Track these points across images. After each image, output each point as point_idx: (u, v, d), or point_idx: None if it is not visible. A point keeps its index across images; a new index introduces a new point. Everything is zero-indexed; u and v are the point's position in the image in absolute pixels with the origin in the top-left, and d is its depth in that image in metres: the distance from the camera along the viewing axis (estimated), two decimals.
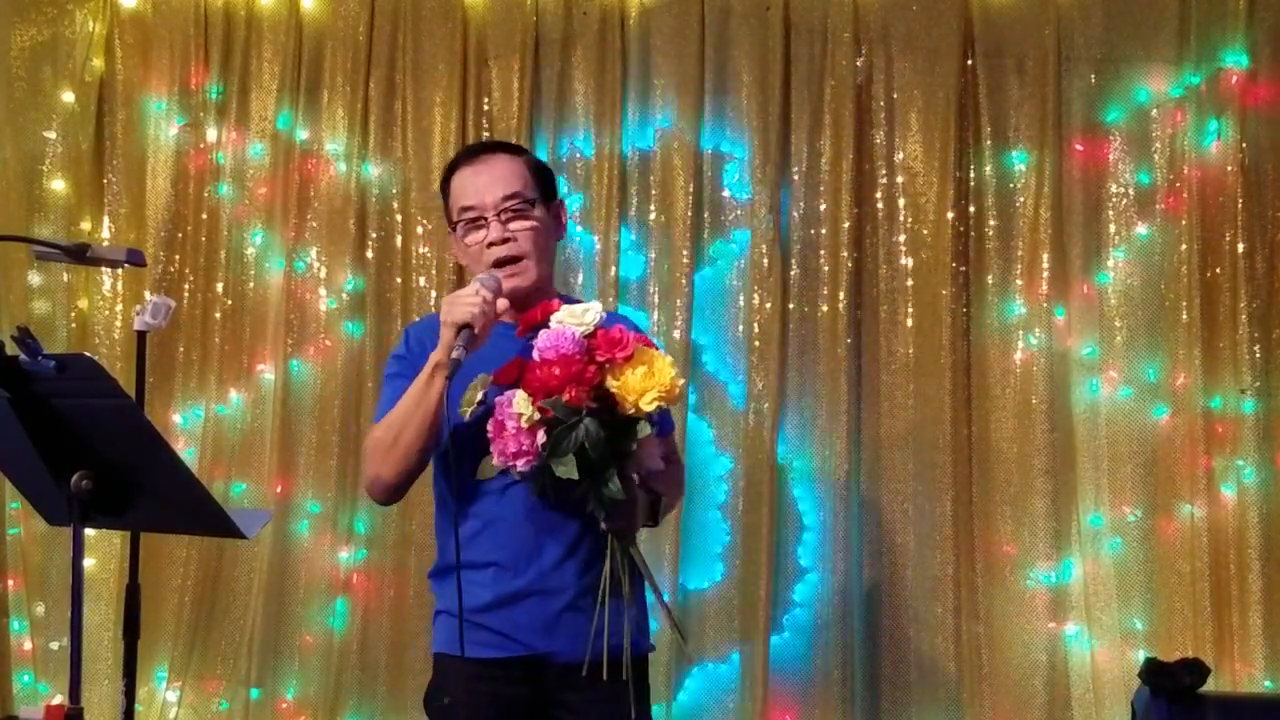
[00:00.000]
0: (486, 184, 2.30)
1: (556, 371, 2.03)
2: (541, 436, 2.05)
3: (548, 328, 2.11)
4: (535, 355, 2.09)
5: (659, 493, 2.31)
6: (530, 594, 2.25)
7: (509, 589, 2.25)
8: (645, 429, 2.10)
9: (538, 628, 2.24)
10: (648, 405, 2.06)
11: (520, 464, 2.08)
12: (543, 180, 2.38)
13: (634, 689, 2.23)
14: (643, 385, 2.06)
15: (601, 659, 2.17)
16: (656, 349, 2.16)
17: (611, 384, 2.07)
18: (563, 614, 2.24)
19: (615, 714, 2.23)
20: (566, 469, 2.04)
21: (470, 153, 2.39)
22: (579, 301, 2.21)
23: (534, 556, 2.25)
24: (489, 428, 2.11)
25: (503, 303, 2.19)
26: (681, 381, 2.13)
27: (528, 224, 2.30)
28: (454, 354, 2.07)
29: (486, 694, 2.25)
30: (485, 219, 2.29)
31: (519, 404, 2.05)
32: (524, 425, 2.05)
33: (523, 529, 2.25)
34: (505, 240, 2.28)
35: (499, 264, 2.28)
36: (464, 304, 2.12)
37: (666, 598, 2.31)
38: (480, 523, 2.27)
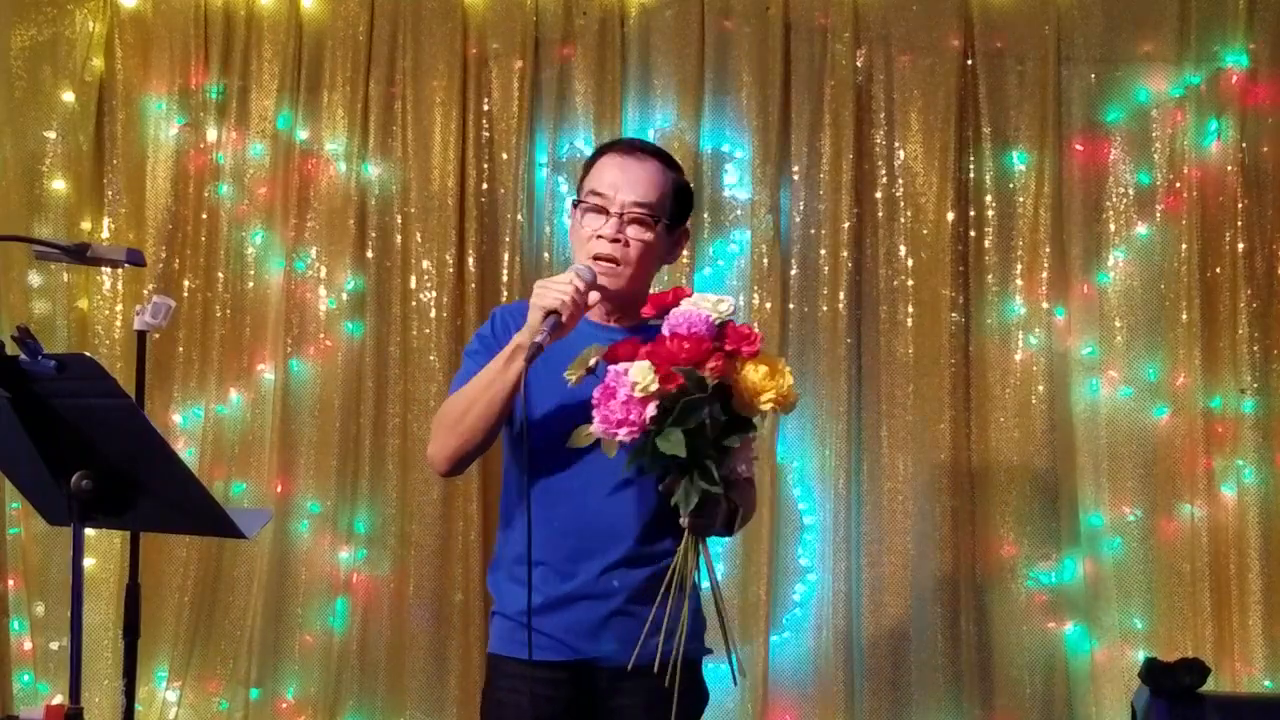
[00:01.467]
0: (626, 181, 2.27)
1: (686, 346, 2.02)
2: (651, 410, 2.02)
3: (673, 310, 2.11)
4: (665, 330, 2.08)
5: (736, 503, 2.27)
6: (580, 598, 2.25)
7: (558, 592, 2.24)
8: (754, 429, 2.10)
9: (586, 632, 2.25)
10: (765, 405, 2.06)
11: (623, 433, 2.03)
12: (679, 203, 2.34)
13: (684, 693, 2.16)
14: (763, 384, 2.05)
15: (653, 660, 2.15)
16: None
17: (734, 376, 2.06)
18: (611, 618, 2.24)
19: (664, 717, 2.21)
20: (673, 445, 2.01)
21: (628, 144, 2.36)
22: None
23: (584, 559, 2.25)
24: (594, 395, 2.07)
25: (594, 295, 2.17)
26: (798, 393, 2.12)
27: (644, 236, 2.27)
28: (537, 338, 2.06)
29: (538, 695, 2.25)
30: (608, 211, 2.26)
31: (637, 373, 2.02)
32: (636, 395, 2.01)
33: (578, 531, 2.25)
34: (615, 240, 2.25)
35: (598, 258, 2.25)
36: (555, 290, 2.10)
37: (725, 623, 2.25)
38: (526, 521, 2.24)
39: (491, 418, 2.19)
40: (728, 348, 2.06)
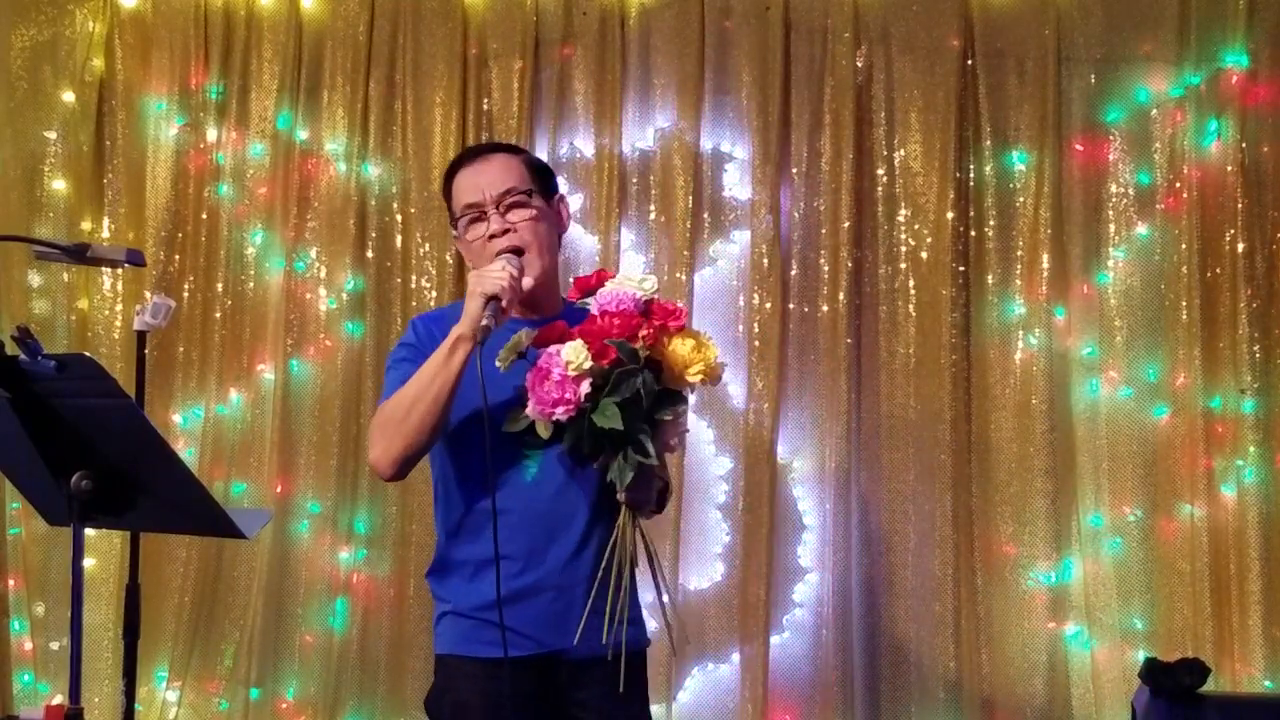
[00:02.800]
0: (486, 181, 2.32)
1: (617, 323, 2.08)
2: (585, 387, 2.07)
3: (600, 291, 2.16)
4: (594, 309, 2.14)
5: (666, 479, 2.31)
6: (542, 590, 2.23)
7: (519, 584, 2.22)
8: (684, 402, 2.15)
9: (550, 624, 2.23)
10: (693, 377, 2.11)
11: (559, 411, 2.07)
12: (541, 176, 2.39)
13: (637, 682, 2.22)
14: (691, 356, 2.11)
15: (619, 651, 2.16)
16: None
17: (662, 351, 2.11)
18: (574, 610, 2.22)
19: (627, 709, 2.24)
20: (609, 419, 2.05)
21: (469, 154, 2.41)
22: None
23: (544, 551, 2.23)
24: (528, 379, 2.11)
25: (528, 281, 2.21)
26: (725, 363, 2.18)
27: (527, 213, 2.30)
28: (484, 321, 2.09)
29: (501, 693, 2.22)
30: (486, 213, 2.30)
31: (569, 352, 2.07)
32: (570, 374, 2.06)
33: (532, 522, 2.24)
34: (506, 231, 2.29)
35: (501, 253, 2.27)
36: (493, 277, 2.13)
37: (665, 596, 2.27)
38: (481, 515, 2.24)
39: (437, 413, 2.17)
40: (655, 323, 2.11)
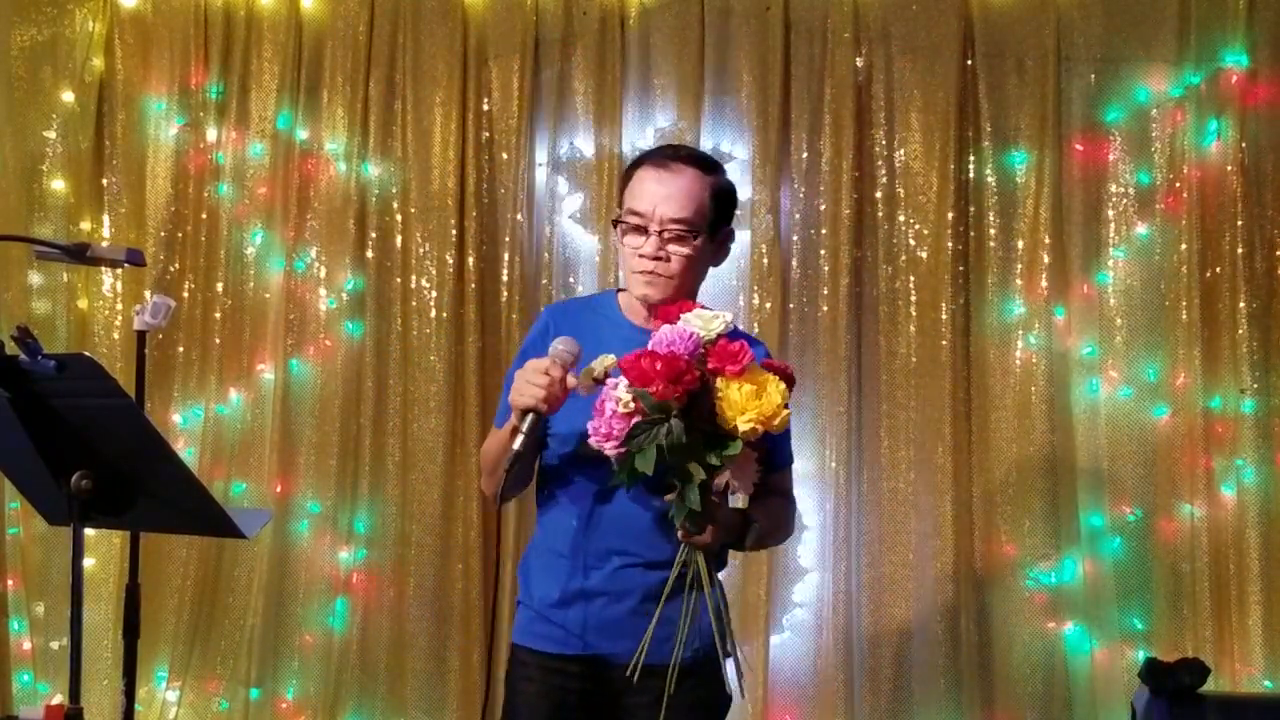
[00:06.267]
0: (664, 196, 2.25)
1: (658, 366, 2.02)
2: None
3: (662, 328, 2.13)
4: (651, 346, 2.09)
5: (754, 518, 2.28)
6: (597, 594, 2.26)
7: (577, 586, 2.27)
8: (736, 448, 2.06)
9: (602, 629, 2.26)
10: (744, 425, 2.04)
11: (608, 447, 2.07)
12: (720, 207, 2.33)
13: (701, 694, 2.26)
14: (744, 404, 2.05)
15: (667, 662, 2.19)
16: (779, 379, 2.10)
17: (717, 395, 2.06)
18: (628, 618, 2.25)
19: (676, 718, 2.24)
20: (644, 462, 2.03)
21: (663, 155, 2.33)
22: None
23: (605, 557, 2.26)
24: (594, 406, 2.10)
25: (572, 379, 2.14)
26: (787, 413, 2.08)
27: (685, 251, 2.26)
28: (515, 445, 2.09)
29: (553, 687, 2.29)
30: (648, 229, 2.26)
31: (621, 389, 2.05)
32: (620, 410, 2.05)
33: (602, 530, 2.26)
34: (658, 258, 2.25)
35: (642, 274, 2.26)
36: (530, 389, 2.09)
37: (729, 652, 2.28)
38: (560, 514, 2.31)
39: (515, 475, 2.17)
40: (710, 366, 2.06)
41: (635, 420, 2.04)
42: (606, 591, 2.26)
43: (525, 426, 2.09)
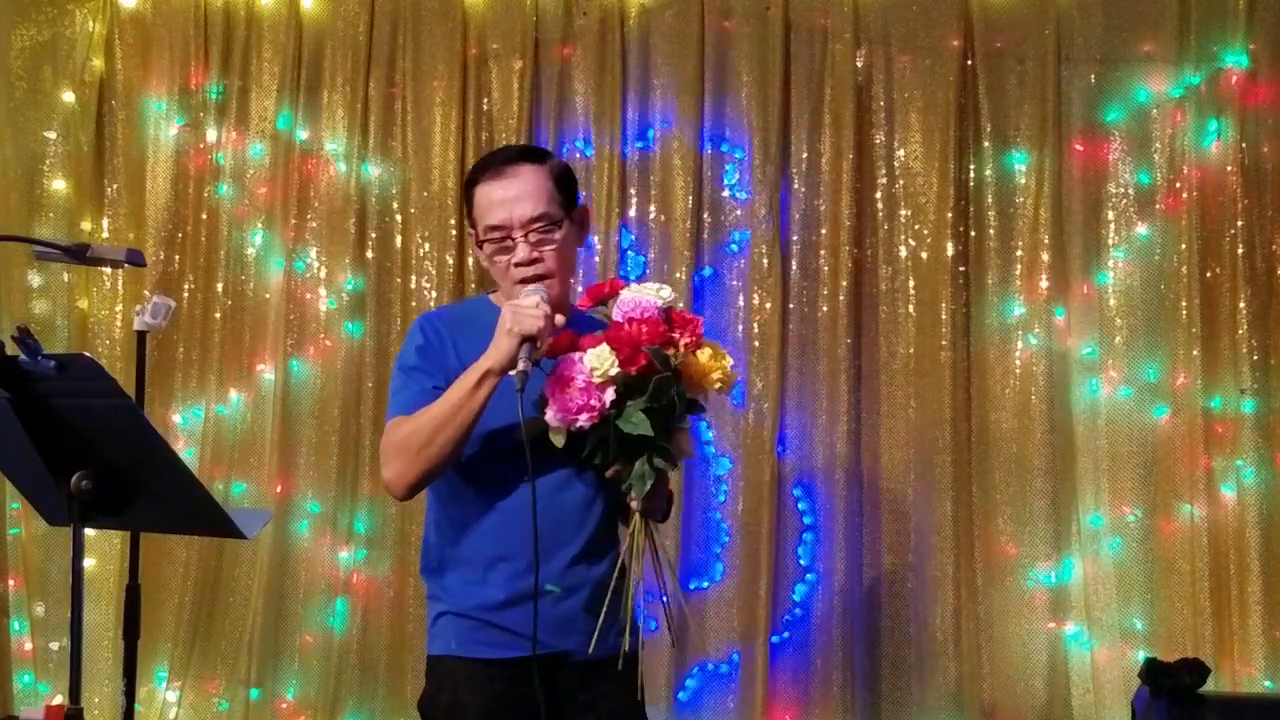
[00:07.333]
0: (513, 201, 2.25)
1: (645, 329, 2.09)
2: (610, 394, 2.07)
3: (621, 298, 2.17)
4: (618, 316, 2.13)
5: (669, 488, 2.31)
6: (548, 591, 2.22)
7: (523, 585, 2.19)
8: (703, 409, 2.21)
9: (554, 626, 2.22)
10: (713, 385, 2.14)
11: (583, 418, 2.08)
12: (566, 189, 2.32)
13: (636, 687, 2.22)
14: (710, 364, 2.14)
15: (618, 653, 2.19)
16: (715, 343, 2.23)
17: (681, 359, 2.13)
18: (578, 613, 2.23)
19: (626, 709, 2.24)
20: (637, 425, 2.06)
21: (494, 163, 2.32)
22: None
23: (549, 553, 2.21)
24: (545, 386, 2.11)
25: (560, 317, 2.16)
26: (736, 373, 2.22)
27: (554, 244, 2.26)
28: (521, 366, 2.06)
29: (501, 695, 2.22)
30: (513, 239, 2.25)
31: (594, 359, 2.07)
32: (595, 380, 2.06)
33: (532, 521, 2.19)
34: (533, 261, 2.25)
35: (526, 280, 2.25)
36: (529, 316, 2.08)
37: (665, 599, 2.27)
38: (489, 514, 2.25)
39: (460, 442, 2.16)
40: (676, 332, 2.13)
41: (641, 380, 2.06)
42: (557, 587, 2.22)
43: (524, 354, 2.07)
